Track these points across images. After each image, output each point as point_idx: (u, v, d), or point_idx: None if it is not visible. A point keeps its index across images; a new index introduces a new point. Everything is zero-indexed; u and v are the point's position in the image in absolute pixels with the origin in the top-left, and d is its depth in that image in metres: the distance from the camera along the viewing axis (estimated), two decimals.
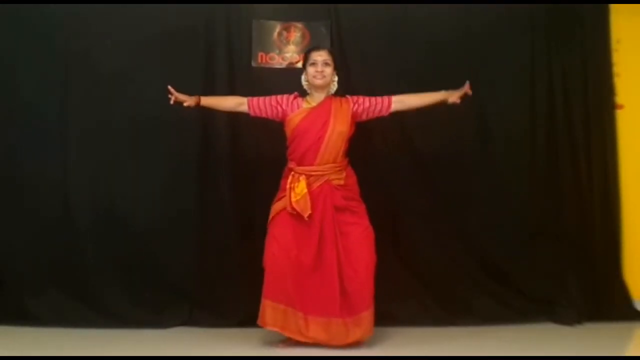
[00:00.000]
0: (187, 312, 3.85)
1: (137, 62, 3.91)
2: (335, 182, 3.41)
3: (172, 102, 3.38)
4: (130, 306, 3.81)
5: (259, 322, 3.34)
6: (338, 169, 3.43)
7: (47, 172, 3.88)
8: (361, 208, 3.47)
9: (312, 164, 3.39)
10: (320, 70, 3.41)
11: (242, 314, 3.75)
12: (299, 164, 3.41)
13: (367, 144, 3.97)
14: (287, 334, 3.33)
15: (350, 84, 3.99)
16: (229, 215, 3.90)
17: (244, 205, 3.84)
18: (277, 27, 4.09)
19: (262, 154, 3.81)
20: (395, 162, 4.04)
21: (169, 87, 3.36)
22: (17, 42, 3.88)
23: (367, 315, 3.31)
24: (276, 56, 4.06)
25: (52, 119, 3.89)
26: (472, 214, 4.05)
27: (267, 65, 4.05)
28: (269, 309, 3.31)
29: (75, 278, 3.82)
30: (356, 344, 3.32)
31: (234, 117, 3.72)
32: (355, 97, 3.50)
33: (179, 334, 3.68)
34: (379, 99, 3.48)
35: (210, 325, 3.76)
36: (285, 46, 4.06)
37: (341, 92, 3.58)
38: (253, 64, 4.05)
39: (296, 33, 4.10)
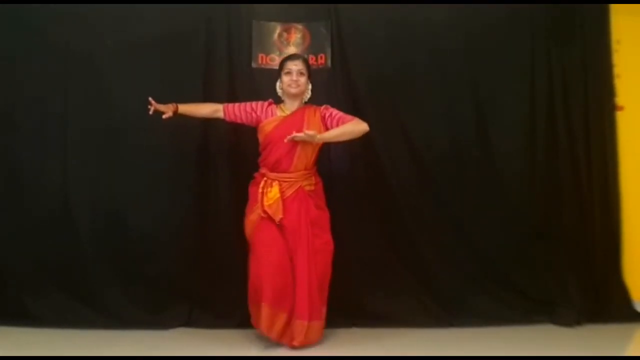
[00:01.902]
0: (187, 312, 3.84)
1: (137, 63, 3.91)
2: (307, 187, 3.47)
3: (150, 112, 3.43)
4: (131, 306, 3.81)
5: (256, 325, 3.37)
6: (309, 175, 3.49)
7: (47, 172, 3.88)
8: (326, 221, 3.51)
9: (285, 171, 3.44)
10: (295, 80, 3.46)
11: (242, 314, 3.75)
12: (271, 170, 3.46)
13: (367, 145, 3.98)
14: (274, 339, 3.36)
15: (350, 83, 4.01)
16: (229, 215, 3.89)
17: (244, 206, 3.83)
18: (278, 29, 4.09)
19: None
20: (395, 164, 4.03)
21: (150, 98, 3.42)
22: (17, 42, 3.88)
23: (303, 324, 3.32)
24: (276, 57, 4.05)
25: (52, 119, 3.89)
26: (472, 214, 4.05)
27: (267, 67, 4.04)
28: (269, 315, 3.32)
29: (75, 278, 3.83)
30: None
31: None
32: (328, 110, 3.51)
33: (179, 334, 3.68)
34: (346, 116, 3.47)
35: (210, 326, 3.76)
36: (286, 47, 4.06)
37: (337, 93, 3.58)
38: (253, 65, 4.05)
39: (296, 34, 4.10)
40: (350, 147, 3.94)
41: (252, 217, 3.48)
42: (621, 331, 3.80)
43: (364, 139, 3.87)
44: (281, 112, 3.52)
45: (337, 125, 3.44)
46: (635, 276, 4.11)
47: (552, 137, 4.10)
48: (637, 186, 4.17)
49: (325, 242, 3.46)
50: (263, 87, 3.87)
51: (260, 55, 4.07)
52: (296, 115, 3.49)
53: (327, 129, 3.47)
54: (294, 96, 3.51)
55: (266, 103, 3.56)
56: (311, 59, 3.95)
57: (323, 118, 3.49)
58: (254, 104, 3.56)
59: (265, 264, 3.35)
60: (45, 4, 3.86)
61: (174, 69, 3.90)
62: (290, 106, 3.53)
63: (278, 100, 3.57)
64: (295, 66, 3.47)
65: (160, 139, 3.90)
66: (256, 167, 3.62)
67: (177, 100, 3.52)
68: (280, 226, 3.40)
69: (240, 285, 3.76)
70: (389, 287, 3.94)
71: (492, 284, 4.01)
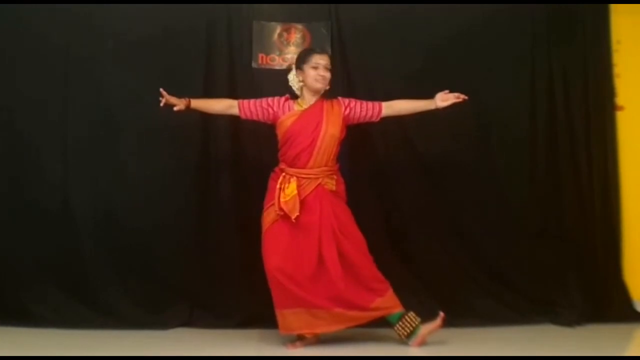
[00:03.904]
0: (188, 312, 3.84)
1: (138, 63, 3.91)
2: (328, 186, 3.41)
3: (162, 104, 3.34)
4: (131, 306, 3.81)
5: (281, 331, 3.31)
6: (330, 173, 3.43)
7: (47, 172, 3.88)
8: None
9: (304, 167, 3.38)
10: (323, 75, 3.41)
11: (242, 314, 3.76)
12: (290, 166, 3.40)
13: (368, 146, 3.98)
14: (317, 331, 3.32)
15: (350, 84, 4.01)
16: (229, 215, 3.90)
17: (244, 206, 3.83)
18: (278, 29, 4.10)
19: (262, 155, 3.81)
20: (395, 163, 4.04)
21: (161, 89, 3.33)
22: (17, 42, 3.88)
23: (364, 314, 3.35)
24: (277, 57, 4.06)
25: (53, 119, 3.89)
26: (473, 214, 4.05)
27: (268, 67, 4.05)
28: (290, 316, 3.28)
29: (75, 278, 3.82)
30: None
31: (234, 117, 3.72)
32: (347, 100, 3.48)
33: (179, 334, 3.68)
34: (369, 104, 3.47)
35: (211, 325, 3.75)
36: (286, 47, 4.06)
37: (337, 93, 3.58)
38: (254, 65, 4.05)
39: (296, 34, 4.10)
40: (350, 147, 3.94)
41: (268, 212, 3.40)
42: (621, 331, 3.80)
43: (364, 138, 3.89)
44: (298, 106, 3.45)
45: (367, 112, 3.45)
46: (635, 276, 4.11)
47: (553, 137, 4.10)
48: (637, 186, 4.17)
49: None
50: (263, 86, 3.87)
51: (260, 55, 4.07)
52: (315, 109, 3.43)
53: (349, 119, 3.45)
54: (317, 91, 3.45)
55: (282, 99, 3.47)
56: None
57: (348, 108, 3.45)
58: (269, 100, 3.47)
59: (267, 267, 3.32)
60: (46, 4, 3.86)
61: (174, 69, 3.89)
62: (308, 100, 3.46)
63: (293, 95, 3.47)
64: (322, 61, 3.41)
65: (160, 139, 3.91)
66: (257, 167, 3.62)
67: None
68: (297, 226, 3.32)
69: (240, 284, 3.77)
70: None
71: (492, 284, 4.00)
